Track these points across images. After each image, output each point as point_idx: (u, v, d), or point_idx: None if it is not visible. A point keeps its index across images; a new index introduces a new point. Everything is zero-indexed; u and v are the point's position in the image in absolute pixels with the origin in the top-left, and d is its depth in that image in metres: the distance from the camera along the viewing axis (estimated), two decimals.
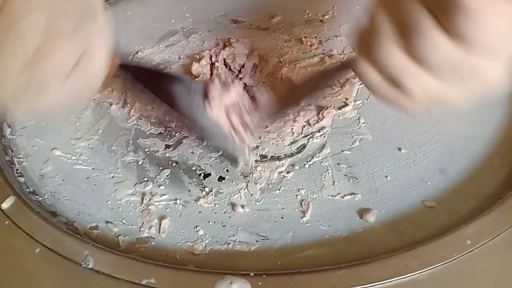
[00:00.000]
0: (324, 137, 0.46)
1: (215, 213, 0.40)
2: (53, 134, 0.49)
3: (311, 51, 0.57)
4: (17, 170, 0.45)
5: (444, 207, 0.39)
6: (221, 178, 0.43)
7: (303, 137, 0.46)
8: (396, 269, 0.33)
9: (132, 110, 0.51)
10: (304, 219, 0.39)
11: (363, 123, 0.47)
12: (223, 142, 0.44)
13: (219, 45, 0.58)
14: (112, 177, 0.44)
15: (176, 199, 0.42)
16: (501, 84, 0.28)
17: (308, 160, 0.44)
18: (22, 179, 0.44)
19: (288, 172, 0.43)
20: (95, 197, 0.42)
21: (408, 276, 0.32)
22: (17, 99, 0.31)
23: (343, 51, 0.56)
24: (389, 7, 0.29)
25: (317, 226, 0.38)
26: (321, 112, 0.48)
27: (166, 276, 0.33)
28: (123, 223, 0.40)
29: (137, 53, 0.59)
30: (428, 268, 0.33)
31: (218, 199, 0.41)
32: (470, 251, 0.33)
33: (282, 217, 0.40)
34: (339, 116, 0.48)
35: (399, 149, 0.44)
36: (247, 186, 0.42)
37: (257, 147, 0.46)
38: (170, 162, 0.45)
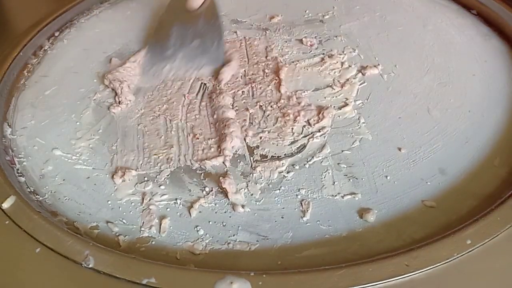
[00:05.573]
0: (324, 137, 0.46)
1: (216, 212, 0.40)
2: (54, 134, 0.49)
3: (311, 51, 0.58)
4: (17, 170, 0.45)
5: (444, 207, 0.39)
6: None
7: (303, 137, 0.46)
8: (396, 269, 0.33)
9: None
10: (304, 218, 0.39)
11: (363, 123, 0.47)
12: None
13: None
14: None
15: (176, 199, 0.42)
16: None
17: (308, 160, 0.44)
18: (22, 179, 0.44)
19: (288, 172, 0.43)
20: (96, 197, 0.42)
21: (408, 276, 0.32)
22: None
23: (343, 51, 0.57)
24: None
25: (317, 226, 0.39)
26: (321, 112, 0.48)
27: (167, 275, 0.33)
28: (124, 222, 0.40)
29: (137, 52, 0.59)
30: (428, 268, 0.33)
31: (218, 199, 0.41)
32: (470, 251, 0.33)
33: (282, 217, 0.40)
34: (339, 116, 0.48)
35: (399, 149, 0.44)
36: (247, 186, 0.42)
37: (257, 147, 0.46)
38: None
